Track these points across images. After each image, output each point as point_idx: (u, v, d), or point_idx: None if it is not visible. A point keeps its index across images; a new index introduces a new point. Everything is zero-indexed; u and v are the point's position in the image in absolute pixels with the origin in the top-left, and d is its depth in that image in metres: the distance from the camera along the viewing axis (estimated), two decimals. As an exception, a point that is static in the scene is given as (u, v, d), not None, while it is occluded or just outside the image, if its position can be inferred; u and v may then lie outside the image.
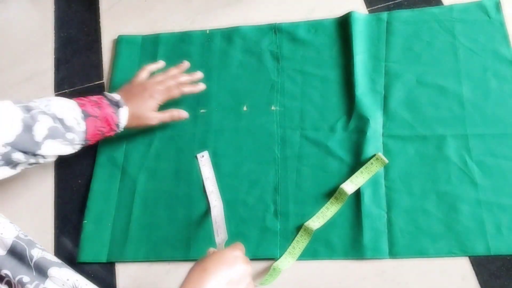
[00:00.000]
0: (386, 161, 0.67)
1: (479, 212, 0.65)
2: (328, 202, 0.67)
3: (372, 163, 0.68)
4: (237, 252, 0.53)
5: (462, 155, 0.68)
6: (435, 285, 0.62)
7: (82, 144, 0.66)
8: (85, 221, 0.72)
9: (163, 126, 0.77)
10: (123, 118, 0.68)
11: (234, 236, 0.67)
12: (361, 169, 0.67)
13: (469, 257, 0.63)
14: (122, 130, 0.70)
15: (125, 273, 0.69)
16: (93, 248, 0.70)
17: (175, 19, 0.89)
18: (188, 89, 0.74)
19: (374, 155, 0.68)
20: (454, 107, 0.72)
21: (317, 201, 0.68)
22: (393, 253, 0.64)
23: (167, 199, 0.72)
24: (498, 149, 0.68)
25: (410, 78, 0.75)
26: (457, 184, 0.67)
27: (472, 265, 0.62)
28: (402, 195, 0.67)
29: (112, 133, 0.69)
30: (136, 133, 0.77)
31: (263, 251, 0.66)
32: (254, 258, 0.66)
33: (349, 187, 0.66)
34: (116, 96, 0.69)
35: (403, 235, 0.65)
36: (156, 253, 0.68)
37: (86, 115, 0.65)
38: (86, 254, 0.70)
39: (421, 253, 0.64)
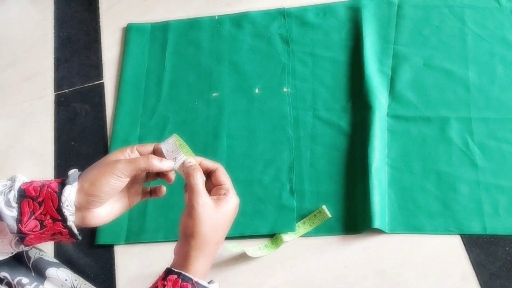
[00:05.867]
0: (329, 215, 0.67)
1: (477, 193, 0.66)
2: (268, 243, 0.67)
3: (315, 215, 0.67)
4: (237, 199, 0.53)
5: (465, 137, 0.70)
6: (435, 285, 0.62)
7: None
8: (103, 205, 0.73)
9: (176, 111, 0.78)
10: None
11: (251, 214, 0.68)
12: (304, 219, 0.67)
13: (470, 257, 0.63)
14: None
15: (125, 273, 0.69)
16: (111, 230, 0.70)
17: (174, 19, 0.89)
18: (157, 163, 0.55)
19: (318, 208, 0.68)
20: (459, 90, 0.73)
21: (331, 178, 0.70)
22: (391, 229, 0.65)
23: (182, 181, 0.73)
24: (500, 132, 0.70)
25: (417, 61, 0.76)
26: (458, 165, 0.68)
27: (473, 265, 0.62)
28: (402, 173, 0.69)
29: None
30: (150, 118, 0.78)
31: (280, 227, 0.67)
32: (272, 233, 0.68)
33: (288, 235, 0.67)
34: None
35: (401, 212, 0.66)
36: (174, 233, 0.69)
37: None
38: (105, 237, 0.70)
39: (418, 230, 0.65)
